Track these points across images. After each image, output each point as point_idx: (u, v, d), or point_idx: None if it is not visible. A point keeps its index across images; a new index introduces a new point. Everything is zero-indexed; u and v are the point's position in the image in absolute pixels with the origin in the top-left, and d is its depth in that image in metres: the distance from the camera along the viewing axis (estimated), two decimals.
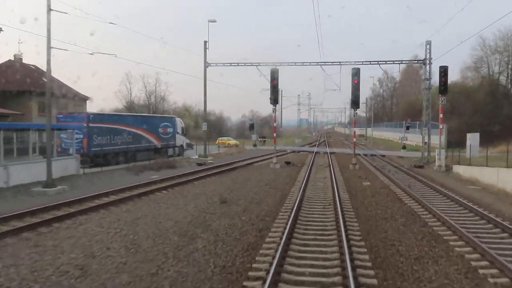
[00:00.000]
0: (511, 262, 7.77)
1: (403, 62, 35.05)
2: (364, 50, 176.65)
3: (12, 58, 42.63)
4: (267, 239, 9.72)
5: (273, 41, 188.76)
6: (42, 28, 18.05)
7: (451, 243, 9.62)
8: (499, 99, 44.88)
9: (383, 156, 37.92)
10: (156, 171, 24.28)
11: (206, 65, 33.13)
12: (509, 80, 47.34)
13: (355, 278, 6.94)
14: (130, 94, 75.79)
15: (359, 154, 36.73)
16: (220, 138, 58.26)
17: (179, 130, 36.70)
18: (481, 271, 7.79)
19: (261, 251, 8.80)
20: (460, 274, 7.69)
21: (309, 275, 7.45)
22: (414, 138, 49.05)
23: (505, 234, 10.38)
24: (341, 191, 16.85)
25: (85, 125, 25.46)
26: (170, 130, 34.88)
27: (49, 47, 16.69)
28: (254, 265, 7.93)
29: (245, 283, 7.07)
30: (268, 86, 27.62)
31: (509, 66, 46.81)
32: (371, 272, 7.57)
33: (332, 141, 75.11)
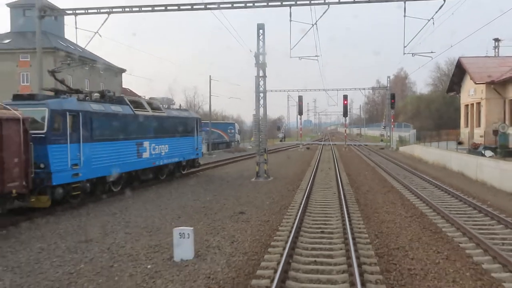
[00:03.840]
0: (384, 164, 29.07)
1: (374, 88, 56.58)
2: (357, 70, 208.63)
3: None
4: (311, 163, 31.01)
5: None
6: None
7: (370, 163, 30.92)
8: (446, 108, 65.97)
9: (366, 145, 59.20)
10: (239, 152, 45.59)
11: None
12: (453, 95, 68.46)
13: (335, 159, 28.28)
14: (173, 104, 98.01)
15: (351, 145, 58.11)
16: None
17: (236, 131, 58.13)
18: (371, 164, 29.15)
19: (310, 164, 30.12)
20: (367, 165, 29.05)
21: (326, 162, 28.82)
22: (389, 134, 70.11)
23: (392, 163, 31.59)
24: (336, 155, 38.12)
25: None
26: (232, 130, 56.30)
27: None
28: (308, 167, 29.24)
29: (309, 166, 28.40)
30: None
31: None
32: (342, 164, 28.91)
33: (334, 138, 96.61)
